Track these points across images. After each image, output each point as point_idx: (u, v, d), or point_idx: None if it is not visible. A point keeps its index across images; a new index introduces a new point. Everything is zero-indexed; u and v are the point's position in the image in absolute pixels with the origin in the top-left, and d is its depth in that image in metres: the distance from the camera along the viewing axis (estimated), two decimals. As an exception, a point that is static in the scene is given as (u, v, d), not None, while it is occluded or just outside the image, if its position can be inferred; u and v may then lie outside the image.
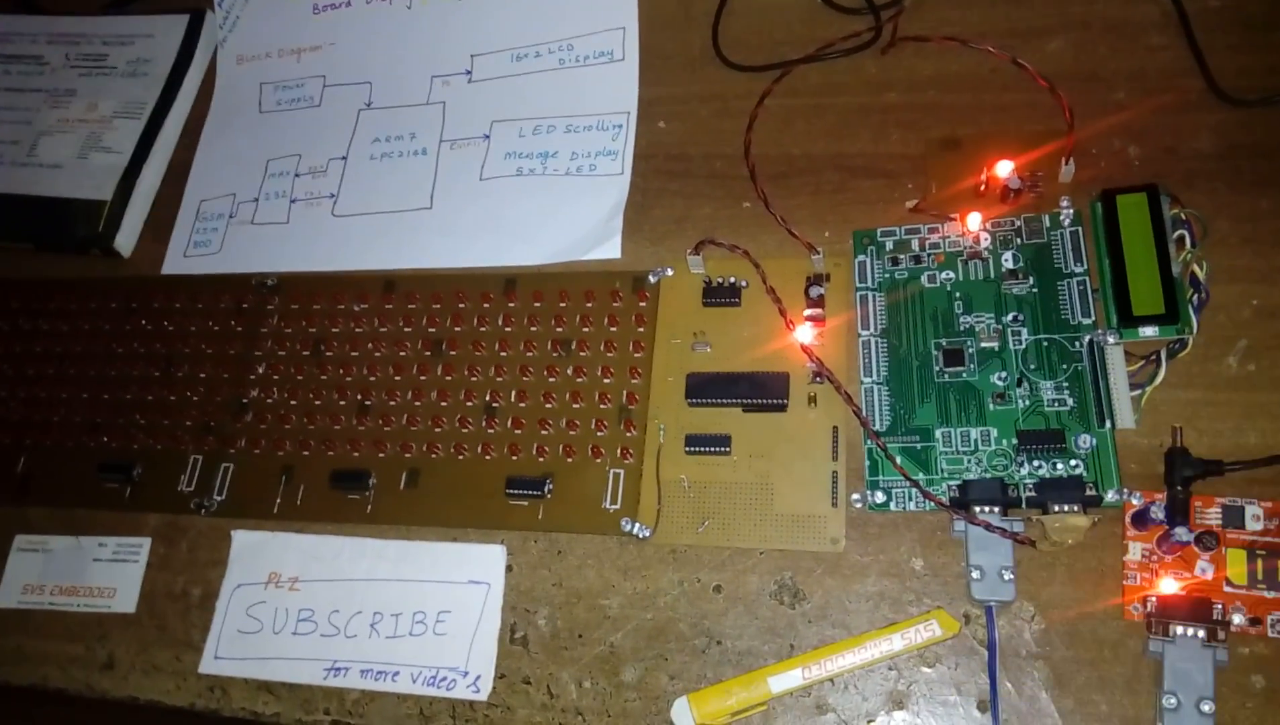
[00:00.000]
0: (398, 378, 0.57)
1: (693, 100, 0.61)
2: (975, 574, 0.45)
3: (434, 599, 0.52)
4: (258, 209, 0.66)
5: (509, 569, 0.52)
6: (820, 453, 0.50)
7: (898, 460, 0.48)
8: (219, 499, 0.57)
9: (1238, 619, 0.43)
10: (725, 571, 0.49)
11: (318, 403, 0.58)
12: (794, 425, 0.51)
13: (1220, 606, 0.43)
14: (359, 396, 0.57)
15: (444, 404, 0.56)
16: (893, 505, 0.48)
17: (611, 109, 0.62)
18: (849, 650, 0.46)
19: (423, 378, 0.57)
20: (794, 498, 0.49)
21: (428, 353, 0.58)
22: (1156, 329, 0.48)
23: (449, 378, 0.57)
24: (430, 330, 0.58)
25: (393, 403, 0.57)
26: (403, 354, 0.58)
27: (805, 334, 0.52)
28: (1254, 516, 0.44)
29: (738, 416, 0.52)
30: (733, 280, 0.54)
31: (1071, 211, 0.51)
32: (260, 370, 0.59)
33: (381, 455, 0.56)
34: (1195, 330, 0.48)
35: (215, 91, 0.71)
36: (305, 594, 0.54)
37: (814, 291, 0.52)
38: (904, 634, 0.46)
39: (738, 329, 0.54)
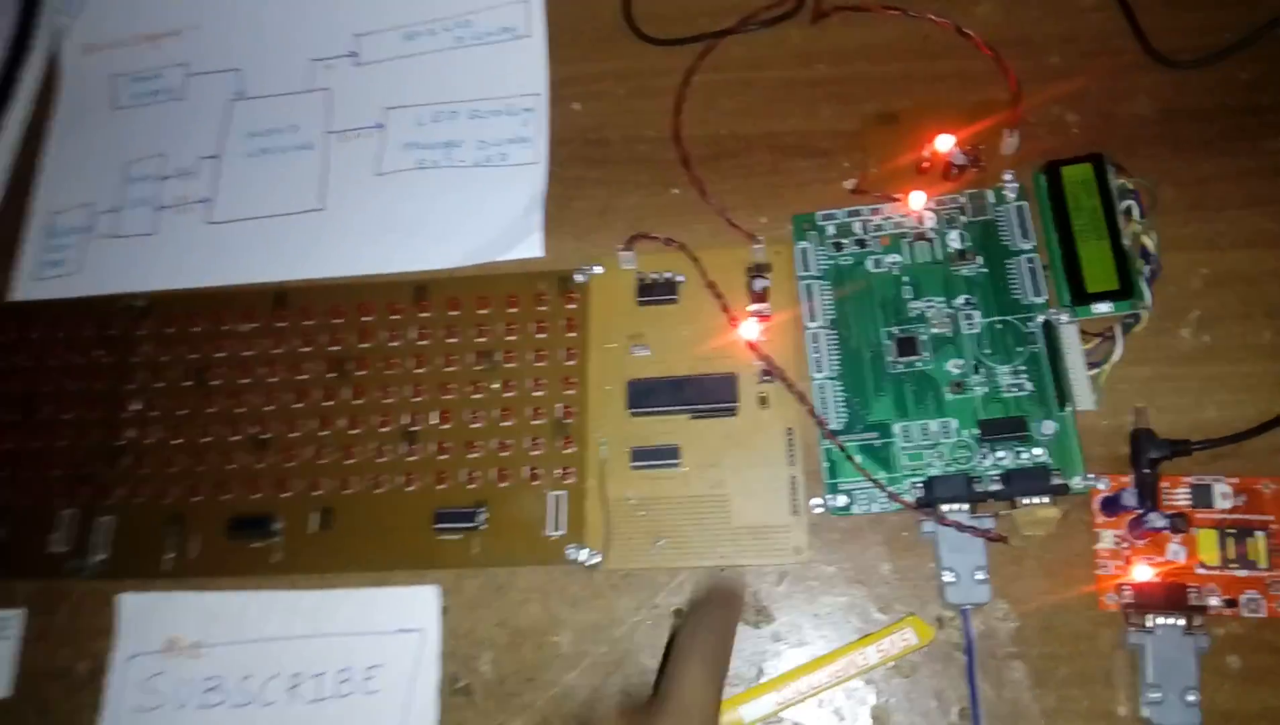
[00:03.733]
0: (298, 405, 0.51)
1: (607, 79, 0.57)
2: (949, 577, 0.43)
3: (361, 653, 0.47)
4: (120, 220, 0.58)
5: (444, 611, 0.47)
6: (776, 457, 0.47)
7: (858, 460, 0.45)
8: (100, 558, 0.50)
9: (1213, 602, 0.41)
10: (684, 593, 0.46)
11: (207, 440, 0.51)
12: (746, 430, 0.47)
13: (1195, 590, 0.42)
14: (255, 430, 0.51)
15: (355, 432, 0.50)
16: (855, 508, 0.45)
17: (519, 91, 0.57)
18: (822, 668, 0.43)
19: (328, 403, 0.51)
20: (752, 508, 0.46)
21: (332, 374, 0.52)
22: (1111, 305, 0.46)
23: (358, 401, 0.51)
24: (332, 349, 0.52)
25: (295, 434, 0.51)
26: (302, 378, 0.52)
27: (751, 330, 0.48)
28: (1222, 494, 0.43)
29: (685, 424, 0.48)
30: (668, 276, 0.50)
31: (1016, 186, 0.49)
32: (136, 407, 0.52)
33: (287, 495, 0.50)
34: (1149, 304, 0.46)
35: (61, 87, 0.62)
36: (210, 660, 0.48)
37: (758, 284, 0.49)
38: (879, 646, 0.43)
39: (677, 328, 0.50)
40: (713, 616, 0.39)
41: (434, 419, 0.50)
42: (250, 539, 0.49)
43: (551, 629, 0.46)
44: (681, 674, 0.35)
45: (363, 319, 0.52)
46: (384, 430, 0.50)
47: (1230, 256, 0.47)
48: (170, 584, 0.49)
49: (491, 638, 0.46)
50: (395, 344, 0.52)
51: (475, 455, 0.49)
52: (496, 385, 0.50)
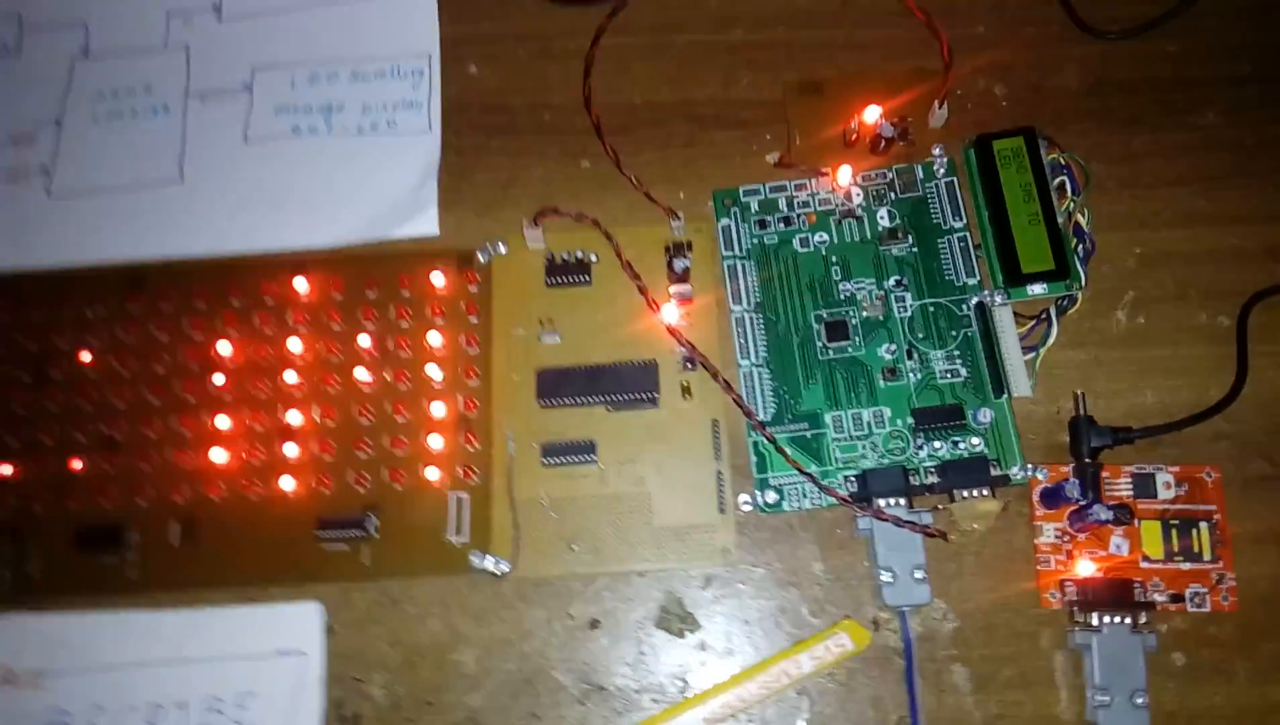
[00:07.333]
0: (156, 401, 0.45)
1: (507, 39, 0.51)
2: (886, 577, 0.40)
3: (232, 679, 0.41)
4: (-61, 189, 0.50)
5: (330, 631, 0.42)
6: (701, 451, 0.43)
7: (789, 452, 0.42)
8: (-84, 582, 0.42)
9: (1159, 598, 0.40)
10: (602, 602, 0.42)
11: (46, 442, 0.44)
12: (668, 422, 0.43)
13: (1140, 585, 0.40)
14: (102, 428, 0.44)
15: (223, 429, 0.44)
16: (786, 504, 0.42)
17: (407, 50, 0.51)
18: (752, 679, 0.40)
19: (190, 398, 0.45)
20: (675, 507, 0.42)
21: (195, 365, 0.45)
22: (1046, 286, 0.44)
23: (227, 395, 0.45)
24: (196, 337, 0.46)
25: (151, 434, 0.44)
26: (160, 370, 0.45)
27: (671, 314, 0.44)
28: (1165, 484, 0.41)
29: (602, 416, 0.44)
30: (580, 254, 0.46)
31: (946, 160, 0.46)
32: (-40, 404, 0.45)
33: (142, 502, 0.43)
34: (1084, 284, 0.44)
35: None
36: (54, 691, 0.41)
37: (678, 264, 0.45)
38: (812, 653, 0.40)
39: (591, 312, 0.45)
40: None
41: (316, 414, 0.44)
42: (100, 553, 0.43)
43: (453, 646, 0.41)
44: None
45: (232, 303, 0.46)
46: (257, 428, 0.44)
47: (1164, 236, 0.46)
48: (8, 606, 0.42)
49: (384, 658, 0.41)
50: (269, 332, 0.46)
51: (364, 454, 0.44)
52: (389, 376, 0.45)
